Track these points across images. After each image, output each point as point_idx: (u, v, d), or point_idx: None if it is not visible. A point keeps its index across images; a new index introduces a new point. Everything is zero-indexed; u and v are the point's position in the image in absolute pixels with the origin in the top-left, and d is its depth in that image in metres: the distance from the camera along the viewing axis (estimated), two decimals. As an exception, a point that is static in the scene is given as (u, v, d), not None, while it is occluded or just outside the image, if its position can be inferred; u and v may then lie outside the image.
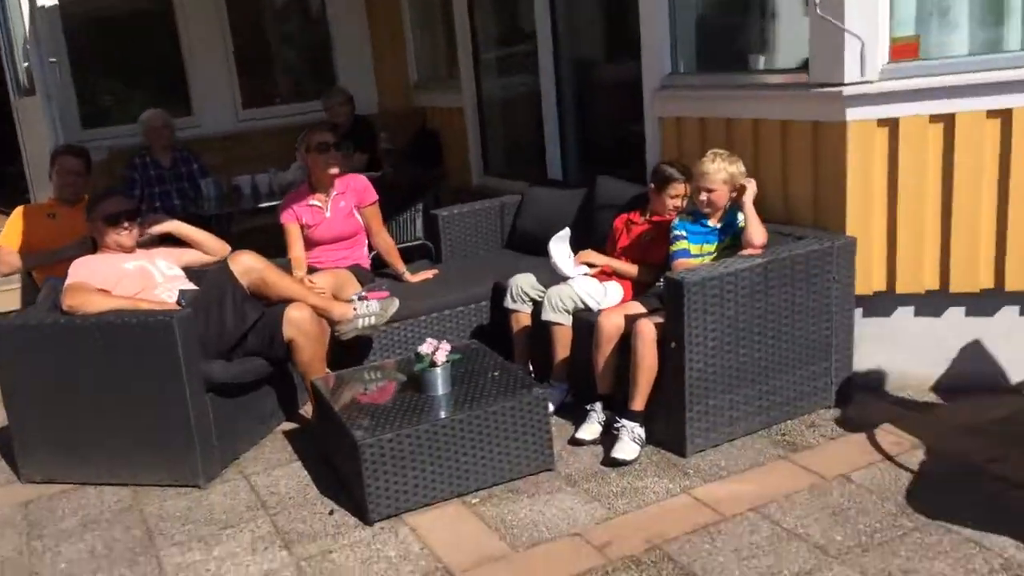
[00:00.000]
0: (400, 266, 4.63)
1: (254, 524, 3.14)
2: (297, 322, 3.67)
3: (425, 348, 3.34)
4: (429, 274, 4.68)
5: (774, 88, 3.87)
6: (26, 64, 6.15)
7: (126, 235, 3.83)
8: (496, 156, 6.34)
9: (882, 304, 3.73)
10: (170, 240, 4.19)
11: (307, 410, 3.99)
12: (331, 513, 3.18)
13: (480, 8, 6.09)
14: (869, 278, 3.64)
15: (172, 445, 3.42)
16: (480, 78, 6.20)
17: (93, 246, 3.92)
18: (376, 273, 4.66)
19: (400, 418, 3.14)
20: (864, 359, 3.73)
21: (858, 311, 3.70)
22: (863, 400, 3.67)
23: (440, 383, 3.32)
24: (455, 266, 4.87)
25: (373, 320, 3.88)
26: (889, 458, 3.20)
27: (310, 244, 4.47)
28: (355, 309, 3.85)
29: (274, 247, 4.34)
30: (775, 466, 3.24)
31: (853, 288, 3.58)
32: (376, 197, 4.58)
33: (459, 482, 3.17)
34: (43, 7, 6.07)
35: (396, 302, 3.94)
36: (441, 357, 3.32)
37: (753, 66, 4.16)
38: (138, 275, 3.76)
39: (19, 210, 4.67)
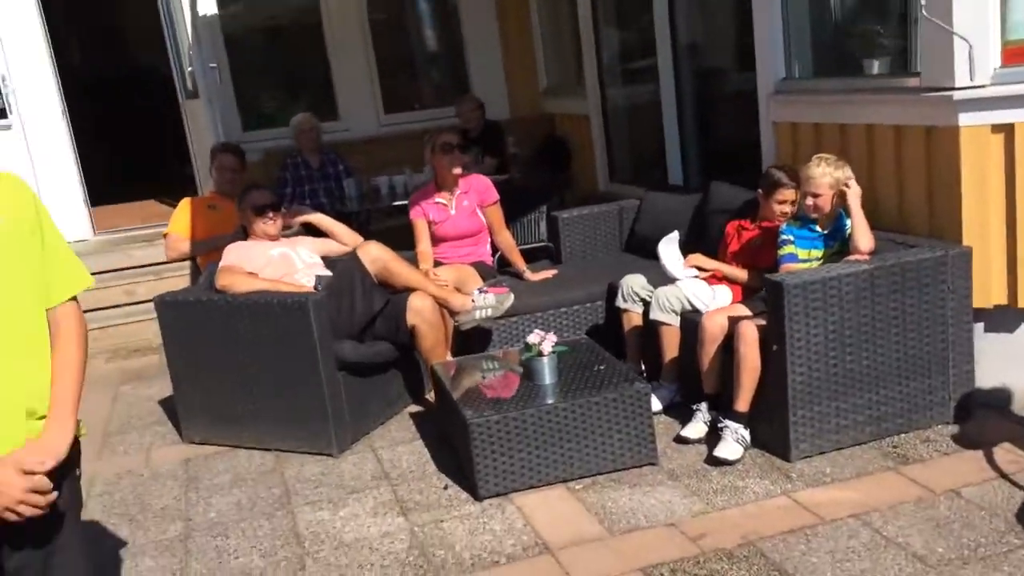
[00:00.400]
0: (521, 264, 4.88)
1: (377, 492, 3.46)
2: (419, 310, 3.99)
3: (533, 338, 3.57)
4: (549, 273, 4.91)
5: (886, 92, 3.84)
6: (190, 69, 6.77)
7: (271, 224, 4.24)
8: (621, 162, 6.50)
9: (1004, 319, 3.63)
10: (312, 231, 4.61)
11: (432, 396, 4.30)
12: (445, 488, 3.45)
13: (604, 20, 6.30)
14: (988, 291, 3.56)
15: (310, 417, 3.80)
16: (605, 86, 6.40)
17: (245, 235, 4.36)
18: (500, 271, 4.93)
19: (508, 402, 3.39)
20: (986, 376, 3.61)
21: (979, 325, 3.60)
22: (983, 417, 3.53)
23: (547, 372, 3.54)
24: (574, 267, 5.08)
25: (489, 312, 4.14)
26: (1004, 476, 3.11)
27: (436, 240, 4.78)
28: (473, 301, 4.13)
29: (407, 243, 4.69)
30: (882, 476, 3.20)
31: (970, 300, 3.51)
32: (497, 197, 4.84)
33: (564, 468, 3.37)
34: (204, 16, 6.67)
35: (511, 297, 4.19)
36: (547, 347, 3.54)
37: (867, 70, 4.14)
38: (281, 261, 4.16)
39: (185, 202, 5.21)
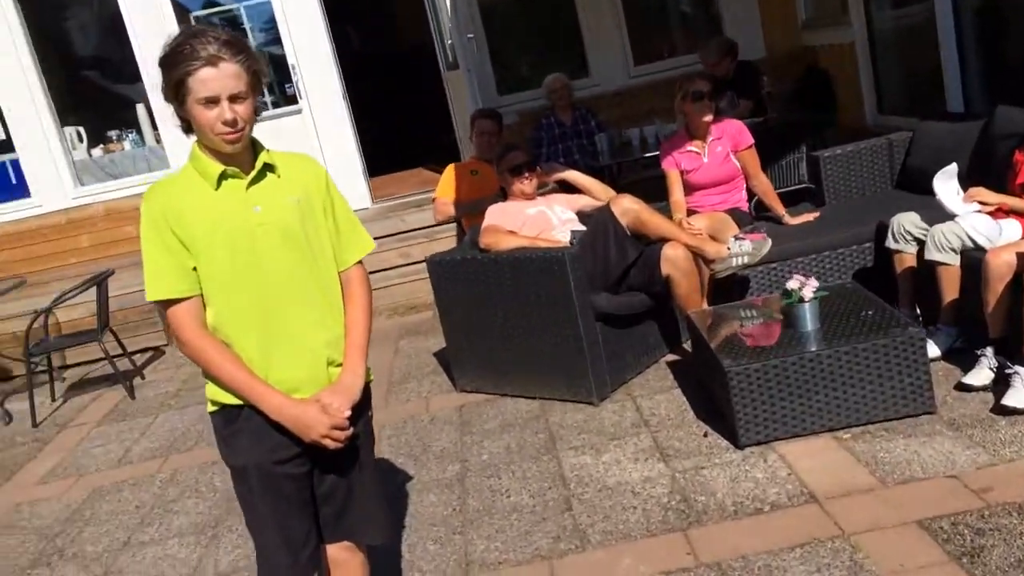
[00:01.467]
0: (779, 208, 4.70)
1: (637, 439, 3.55)
2: (672, 259, 3.99)
3: (792, 284, 3.44)
4: (810, 216, 4.69)
5: None
6: (450, 41, 7.14)
7: (527, 183, 4.41)
8: (891, 91, 6.02)
9: None
10: (565, 187, 4.74)
11: (688, 345, 4.31)
12: (705, 435, 3.46)
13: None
14: None
15: (571, 367, 3.95)
16: (870, 10, 5.91)
17: (504, 196, 4.58)
18: (757, 216, 4.79)
19: (769, 350, 3.32)
20: None
21: None
22: None
23: (808, 318, 3.41)
24: (839, 208, 4.80)
25: (746, 259, 4.05)
26: None
27: (689, 189, 4.73)
28: (728, 249, 4.05)
29: (660, 195, 4.68)
30: None
31: None
32: (751, 141, 4.68)
33: (830, 417, 3.26)
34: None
35: (768, 242, 4.06)
36: (808, 293, 3.40)
37: None
38: (538, 218, 4.33)
39: (450, 168, 5.55)
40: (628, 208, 4.06)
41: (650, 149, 5.98)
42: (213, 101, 1.86)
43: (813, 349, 3.26)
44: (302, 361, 2.00)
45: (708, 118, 4.61)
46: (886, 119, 5.91)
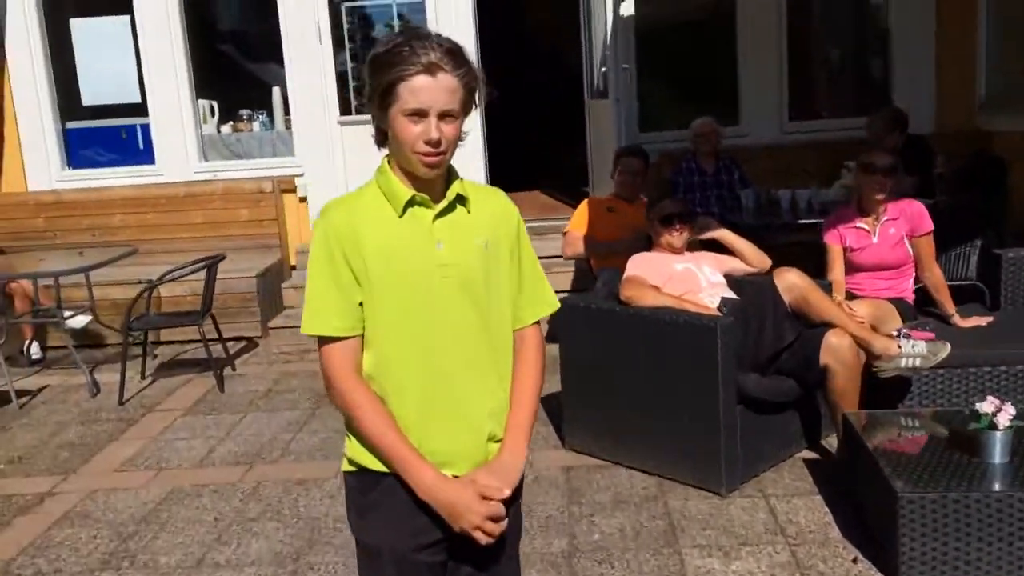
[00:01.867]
0: (950, 306, 4.22)
1: (772, 548, 3.12)
2: (836, 349, 3.54)
3: (985, 406, 2.98)
4: (983, 320, 4.20)
5: None
6: (603, 69, 6.81)
7: (677, 236, 4.04)
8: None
9: None
10: (714, 245, 4.34)
11: (830, 442, 3.85)
12: (855, 561, 3.01)
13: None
14: None
15: (700, 447, 3.54)
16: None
17: (647, 243, 4.21)
18: (920, 311, 4.31)
19: (947, 478, 2.86)
20: None
21: None
22: None
23: (999, 449, 2.95)
24: (1015, 316, 4.27)
25: (918, 362, 3.58)
26: None
27: (851, 268, 4.30)
28: (899, 346, 3.59)
29: (809, 265, 4.24)
30: None
31: None
32: (931, 227, 4.23)
33: (1010, 571, 2.77)
34: (623, 16, 6.64)
35: (947, 346, 3.58)
36: (1004, 420, 2.93)
37: None
38: (686, 276, 3.94)
39: (585, 202, 5.22)
40: (794, 284, 3.64)
41: (801, 214, 5.52)
42: (421, 114, 1.59)
43: (1003, 488, 2.79)
44: (461, 432, 1.70)
45: (879, 196, 4.18)
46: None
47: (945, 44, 6.43)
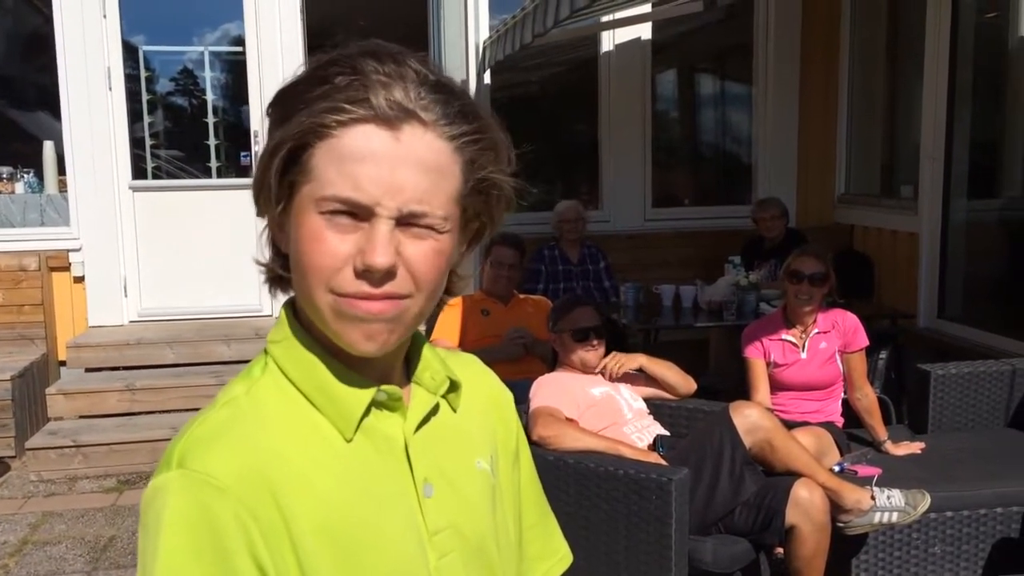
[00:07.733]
0: (882, 431, 3.69)
1: None
2: (807, 506, 2.84)
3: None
4: (915, 447, 3.70)
5: None
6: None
7: (592, 353, 3.27)
8: (956, 296, 5.24)
9: None
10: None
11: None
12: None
13: (962, 109, 5.08)
14: None
15: (645, 642, 2.70)
16: (949, 197, 5.18)
17: (523, 347, 3.70)
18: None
19: None
20: None
21: None
22: None
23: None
24: (947, 443, 3.81)
25: (895, 517, 2.96)
26: None
27: (774, 387, 3.72)
28: (873, 498, 2.95)
29: (692, 366, 3.60)
30: None
31: None
32: (866, 343, 3.74)
33: None
34: (483, 85, 5.92)
35: (927, 498, 2.99)
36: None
37: None
38: (606, 405, 3.16)
39: (456, 301, 4.32)
40: (758, 425, 2.91)
41: (684, 314, 4.94)
42: (351, 214, 0.77)
43: None
44: None
45: (807, 308, 3.65)
46: (947, 325, 5.13)
47: (807, 138, 6.26)
